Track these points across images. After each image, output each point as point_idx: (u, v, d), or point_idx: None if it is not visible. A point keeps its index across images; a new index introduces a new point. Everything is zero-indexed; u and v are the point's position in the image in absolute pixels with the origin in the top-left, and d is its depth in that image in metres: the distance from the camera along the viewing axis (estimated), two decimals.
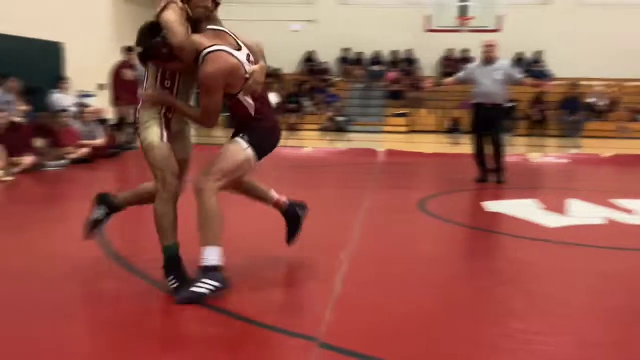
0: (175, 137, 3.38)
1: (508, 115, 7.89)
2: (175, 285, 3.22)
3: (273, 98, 17.71)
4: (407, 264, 4.04)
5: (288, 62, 19.41)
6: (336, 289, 3.38)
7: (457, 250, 4.63)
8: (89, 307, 3.24)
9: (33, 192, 7.18)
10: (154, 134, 3.26)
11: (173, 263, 3.28)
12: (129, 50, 10.94)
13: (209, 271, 3.09)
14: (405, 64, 19.38)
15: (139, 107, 3.36)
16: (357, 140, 14.12)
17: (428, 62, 19.51)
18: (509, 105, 7.79)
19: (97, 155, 9.13)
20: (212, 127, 3.38)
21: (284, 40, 19.08)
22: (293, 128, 17.13)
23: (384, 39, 19.08)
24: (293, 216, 3.83)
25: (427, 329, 2.90)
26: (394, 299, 3.29)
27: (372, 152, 10.78)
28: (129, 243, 4.53)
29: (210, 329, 2.88)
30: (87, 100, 11.44)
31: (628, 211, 5.83)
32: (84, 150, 8.96)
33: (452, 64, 19.34)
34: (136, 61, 10.85)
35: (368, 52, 19.52)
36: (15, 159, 7.62)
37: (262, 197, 3.72)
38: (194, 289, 3.08)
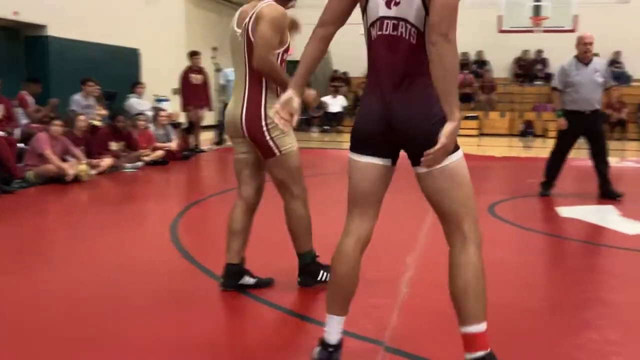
0: None
1: (604, 121, 6.84)
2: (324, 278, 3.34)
3: (340, 101, 17.84)
4: None
5: (355, 66, 19.43)
6: (402, 293, 3.36)
7: (529, 256, 4.50)
8: (164, 303, 3.35)
9: (110, 192, 7.48)
10: (293, 141, 3.27)
11: (314, 266, 3.40)
12: (194, 54, 11.21)
13: None
14: (476, 65, 19.04)
15: (264, 106, 3.14)
16: None
17: (501, 64, 19.08)
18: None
19: (171, 158, 9.43)
20: None
21: (351, 43, 19.11)
22: None
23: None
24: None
25: (497, 336, 2.82)
26: None
27: None
28: (200, 244, 4.65)
29: (276, 331, 2.91)
30: (162, 105, 11.84)
31: None
32: (159, 153, 9.27)
33: (525, 65, 18.88)
34: (203, 65, 11.21)
35: None
36: (94, 161, 7.96)
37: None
38: None
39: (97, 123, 9.02)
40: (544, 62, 18.66)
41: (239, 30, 3.18)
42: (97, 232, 5.00)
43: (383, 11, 2.22)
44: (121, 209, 6.22)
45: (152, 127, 9.75)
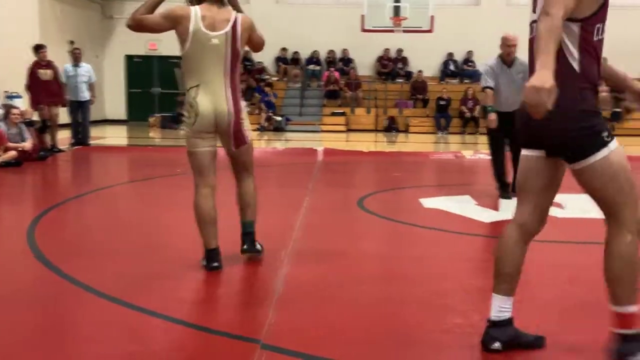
0: None
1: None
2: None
3: None
4: (348, 262, 4.05)
5: None
6: (278, 289, 3.35)
7: (396, 247, 4.69)
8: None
9: None
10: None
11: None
12: (39, 48, 10.48)
13: None
14: (342, 63, 19.53)
15: (241, 102, 3.73)
16: (296, 140, 14.11)
17: (365, 62, 19.72)
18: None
19: (25, 159, 8.75)
20: None
21: None
22: None
23: (321, 39, 19.16)
24: None
25: (368, 326, 2.91)
26: (335, 298, 3.28)
27: (311, 152, 10.80)
28: (54, 244, 4.37)
29: (147, 333, 2.79)
30: (13, 102, 10.97)
31: (558, 205, 6.04)
32: (12, 154, 8.57)
33: (387, 63, 19.64)
34: (51, 58, 10.48)
35: (304, 52, 19.54)
36: None
37: None
38: None
39: None
40: (404, 60, 19.54)
41: (216, 34, 3.54)
42: None
43: (532, 16, 2.46)
44: None
45: (2, 126, 9.00)
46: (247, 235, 3.83)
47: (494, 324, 2.57)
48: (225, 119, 3.61)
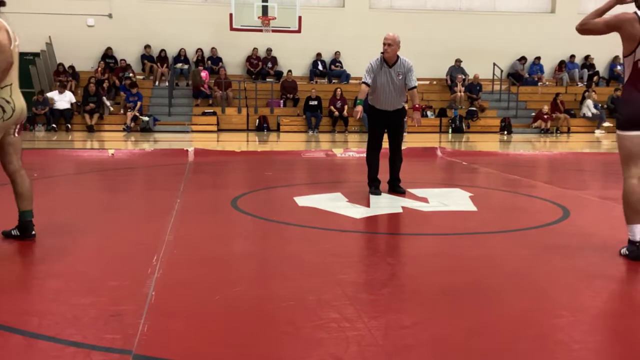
0: None
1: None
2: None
3: (68, 97, 16.56)
4: (223, 263, 4.00)
5: (84, 59, 18.28)
6: (150, 296, 3.23)
7: (270, 245, 4.69)
8: None
9: None
10: None
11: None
12: None
13: None
14: (211, 62, 19.25)
15: None
16: (165, 141, 13.72)
17: (234, 61, 19.59)
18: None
19: None
20: None
21: (78, 35, 17.91)
22: (93, 129, 16.15)
23: (188, 37, 18.78)
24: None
25: (245, 328, 2.89)
26: (210, 301, 3.22)
27: (181, 152, 10.54)
28: None
29: (4, 352, 2.58)
30: None
31: (423, 199, 6.36)
32: None
33: (256, 63, 19.65)
34: None
35: (171, 50, 19.05)
36: None
37: None
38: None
39: None
40: (273, 60, 19.65)
41: (16, 43, 4.25)
42: None
43: None
44: None
45: None
46: (30, 222, 4.38)
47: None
48: (25, 112, 4.39)
